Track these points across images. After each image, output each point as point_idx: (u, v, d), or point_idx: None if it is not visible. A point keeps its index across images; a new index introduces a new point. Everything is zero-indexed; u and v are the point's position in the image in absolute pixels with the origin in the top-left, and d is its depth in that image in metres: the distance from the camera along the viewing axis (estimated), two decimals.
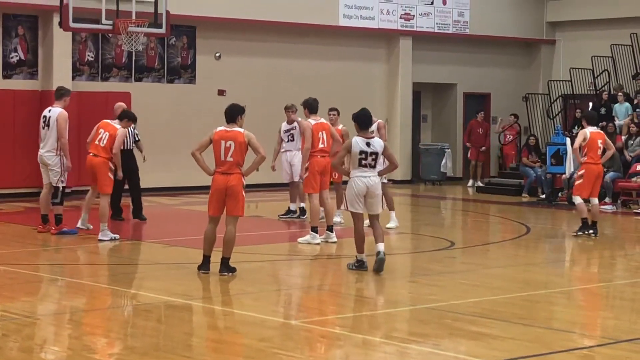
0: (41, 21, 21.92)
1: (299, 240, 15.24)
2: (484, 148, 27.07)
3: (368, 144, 12.34)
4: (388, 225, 16.83)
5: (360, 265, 12.54)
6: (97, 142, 15.39)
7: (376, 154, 12.37)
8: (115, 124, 15.61)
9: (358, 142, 12.35)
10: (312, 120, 15.49)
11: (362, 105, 16.80)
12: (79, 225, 15.82)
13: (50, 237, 15.42)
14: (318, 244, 14.97)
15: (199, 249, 12.52)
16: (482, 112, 27.41)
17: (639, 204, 20.82)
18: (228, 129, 12.12)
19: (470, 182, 26.69)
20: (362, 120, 12.55)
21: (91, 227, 15.73)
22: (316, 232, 15.06)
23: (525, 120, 27.57)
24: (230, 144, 12.01)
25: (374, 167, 12.40)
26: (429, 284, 12.08)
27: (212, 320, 10.38)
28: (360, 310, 10.59)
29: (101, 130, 15.46)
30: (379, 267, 12.35)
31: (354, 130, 12.74)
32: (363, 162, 12.33)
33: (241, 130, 12.12)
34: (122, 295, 11.38)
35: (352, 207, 12.45)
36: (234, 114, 12.19)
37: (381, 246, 12.40)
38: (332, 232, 15.30)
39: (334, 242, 15.16)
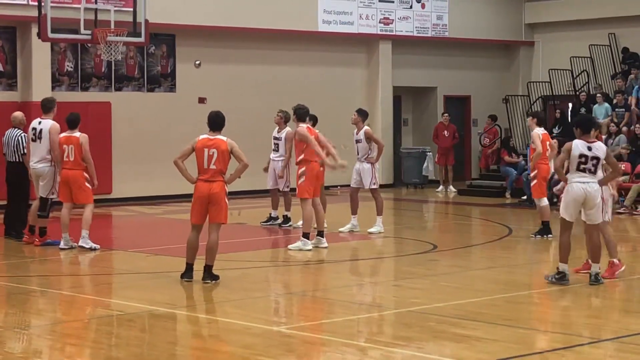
0: (19, 32, 21.85)
1: (290, 247, 15.15)
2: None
3: (590, 148, 11.84)
4: (371, 230, 16.89)
5: (560, 278, 12.07)
6: (65, 158, 15.13)
7: (597, 159, 11.85)
8: (73, 133, 15.24)
9: (578, 146, 11.87)
10: (303, 125, 15.31)
11: (343, 109, 17.08)
12: (61, 245, 15.15)
13: (34, 249, 15.38)
14: (310, 250, 14.92)
15: (181, 257, 12.52)
16: (447, 114, 27.00)
17: (620, 204, 20.88)
18: (211, 137, 12.12)
19: (439, 188, 26.16)
20: (584, 125, 12.10)
21: (75, 245, 15.20)
22: (308, 238, 14.99)
23: (505, 122, 27.64)
24: (213, 152, 12.01)
25: (594, 172, 11.87)
26: (412, 287, 12.12)
27: (196, 328, 10.37)
28: (344, 315, 10.58)
29: (64, 146, 15.18)
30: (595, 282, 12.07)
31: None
32: (582, 166, 11.83)
33: (224, 138, 12.11)
34: (105, 305, 11.35)
35: (564, 214, 12.00)
36: (218, 122, 12.19)
37: (595, 267, 12.13)
38: (322, 237, 15.26)
39: (325, 247, 15.13)
